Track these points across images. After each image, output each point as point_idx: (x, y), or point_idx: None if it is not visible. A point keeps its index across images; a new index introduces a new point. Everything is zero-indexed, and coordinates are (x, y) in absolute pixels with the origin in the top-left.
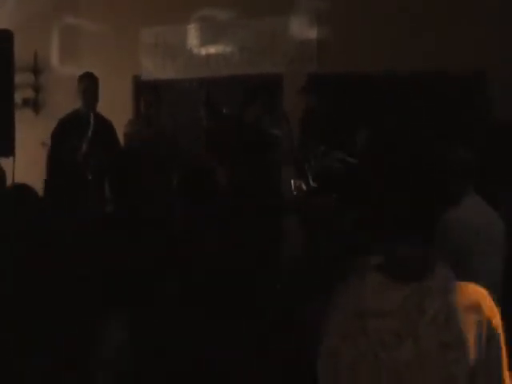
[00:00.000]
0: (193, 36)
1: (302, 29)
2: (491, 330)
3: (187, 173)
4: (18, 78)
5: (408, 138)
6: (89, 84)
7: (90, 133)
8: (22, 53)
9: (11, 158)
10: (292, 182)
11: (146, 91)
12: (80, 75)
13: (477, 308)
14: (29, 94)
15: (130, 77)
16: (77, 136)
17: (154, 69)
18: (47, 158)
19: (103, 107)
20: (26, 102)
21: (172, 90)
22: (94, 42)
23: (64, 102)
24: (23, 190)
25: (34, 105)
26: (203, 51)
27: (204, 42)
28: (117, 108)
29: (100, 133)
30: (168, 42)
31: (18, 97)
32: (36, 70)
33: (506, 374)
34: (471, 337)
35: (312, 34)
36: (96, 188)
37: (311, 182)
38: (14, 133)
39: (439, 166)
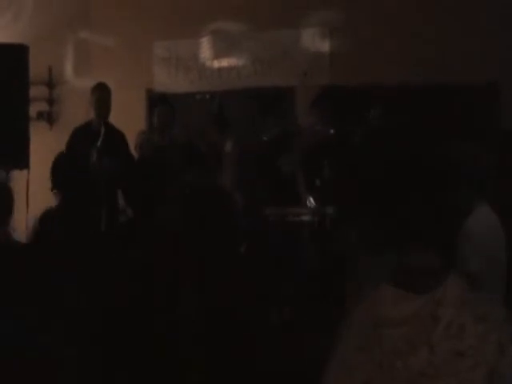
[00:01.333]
0: (205, 49)
1: (315, 41)
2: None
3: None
4: (33, 92)
5: (421, 150)
6: (101, 95)
7: (99, 143)
8: (36, 67)
9: (26, 171)
10: (309, 198)
11: (159, 104)
12: (93, 86)
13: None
14: (43, 107)
15: (143, 89)
16: (88, 146)
17: (167, 81)
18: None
19: (117, 119)
20: (40, 115)
21: (185, 102)
22: (108, 56)
23: (78, 114)
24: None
25: (48, 118)
26: (216, 64)
27: (216, 55)
28: (130, 120)
29: (111, 143)
30: (181, 55)
31: (32, 110)
32: (50, 84)
33: None
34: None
35: (324, 46)
36: (107, 197)
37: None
38: (29, 145)
39: (453, 177)
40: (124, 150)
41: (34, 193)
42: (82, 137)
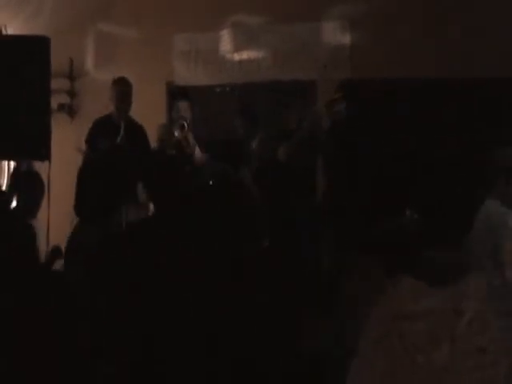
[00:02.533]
0: (225, 42)
1: (335, 34)
2: None
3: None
4: (54, 84)
5: (450, 142)
6: (122, 89)
7: (119, 137)
8: (57, 59)
9: (47, 163)
10: None
11: (178, 97)
12: (114, 80)
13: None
14: (64, 99)
15: (163, 83)
16: (108, 139)
17: (187, 75)
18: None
19: (137, 112)
20: (61, 107)
21: (205, 95)
22: (129, 49)
23: (98, 107)
24: None
25: (69, 110)
26: (236, 57)
27: (236, 48)
28: (151, 113)
29: (130, 137)
30: (201, 48)
31: (53, 102)
32: (71, 76)
33: None
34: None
35: (344, 39)
36: (127, 192)
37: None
38: (50, 137)
39: (483, 169)
40: (144, 143)
41: (54, 185)
42: (102, 129)
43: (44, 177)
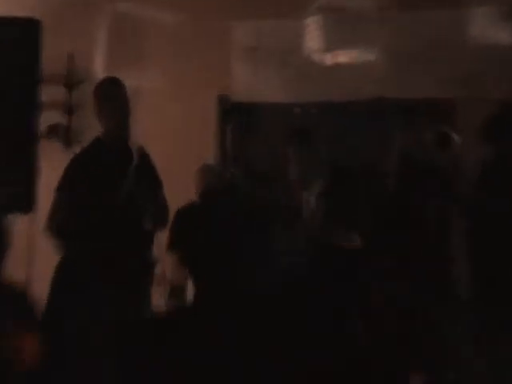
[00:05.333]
0: (311, 36)
1: (488, 28)
2: None
3: None
4: (44, 94)
5: None
6: (112, 93)
7: (131, 169)
8: (51, 54)
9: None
10: None
11: (235, 118)
12: (99, 82)
13: None
14: (57, 117)
15: (213, 97)
16: (105, 176)
17: (251, 85)
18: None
19: (169, 140)
20: (52, 130)
21: (277, 118)
22: (161, 41)
23: None
24: None
25: (65, 134)
26: (327, 59)
27: (328, 46)
28: (192, 142)
29: (141, 169)
30: (273, 45)
31: (42, 122)
32: (70, 82)
33: None
34: None
35: (505, 35)
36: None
37: None
38: (35, 180)
39: None
40: (155, 178)
41: (42, 243)
42: (91, 164)
43: (24, 231)
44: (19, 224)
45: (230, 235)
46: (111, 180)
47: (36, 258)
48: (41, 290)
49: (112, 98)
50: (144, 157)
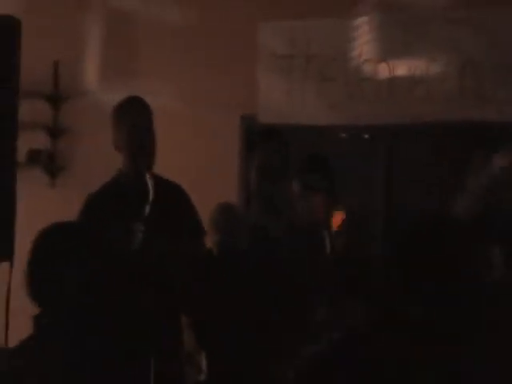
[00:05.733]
0: (363, 40)
1: None
2: None
3: None
4: (25, 112)
5: None
6: (138, 120)
7: (147, 207)
8: (33, 61)
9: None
10: None
11: (263, 145)
12: (119, 103)
13: None
14: (40, 141)
15: (235, 118)
16: (124, 215)
17: (284, 103)
18: None
19: (179, 172)
20: (33, 157)
21: (319, 145)
22: (168, 50)
23: (107, 158)
24: None
25: (49, 163)
26: (383, 70)
27: (386, 53)
28: (209, 174)
29: (163, 212)
30: (314, 52)
31: (21, 147)
32: (56, 96)
33: None
34: None
35: None
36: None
37: None
38: (12, 218)
39: None
40: (187, 218)
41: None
42: (105, 204)
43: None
44: None
45: (252, 304)
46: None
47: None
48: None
49: (138, 121)
50: (169, 190)
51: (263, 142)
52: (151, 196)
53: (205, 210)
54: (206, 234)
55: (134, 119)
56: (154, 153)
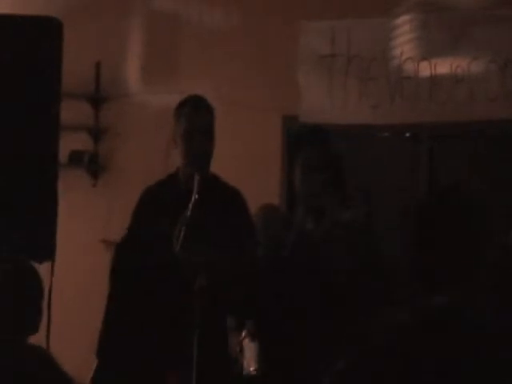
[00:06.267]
0: (405, 39)
1: None
2: None
3: None
4: (66, 113)
5: None
6: (198, 120)
7: (189, 210)
8: (73, 62)
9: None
10: None
11: (307, 143)
12: (180, 102)
13: None
14: (82, 142)
15: (277, 118)
16: (172, 219)
17: (326, 102)
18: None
19: (221, 171)
20: (75, 159)
21: (361, 145)
22: (209, 51)
23: (150, 159)
24: None
25: (92, 164)
26: (425, 69)
27: (428, 52)
28: (251, 175)
29: (212, 214)
30: (356, 52)
31: (63, 148)
32: (98, 98)
33: None
34: None
35: None
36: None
37: None
38: (54, 219)
39: None
40: (239, 226)
41: (64, 295)
42: (160, 203)
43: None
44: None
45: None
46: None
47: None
48: (59, 344)
49: (197, 122)
50: (222, 193)
51: (309, 141)
52: (194, 197)
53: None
54: (258, 244)
55: (191, 121)
56: (211, 155)
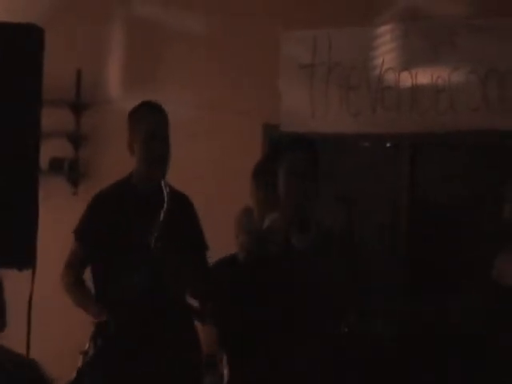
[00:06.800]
0: (385, 49)
1: None
2: None
3: None
4: (47, 120)
5: None
6: (158, 126)
7: (161, 216)
8: (53, 72)
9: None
10: None
11: (290, 152)
12: (136, 107)
13: None
14: (63, 149)
15: (258, 126)
16: (139, 220)
17: (307, 111)
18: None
19: (201, 180)
20: (56, 166)
21: (339, 154)
22: (190, 58)
23: (130, 166)
24: None
25: (71, 170)
26: (406, 79)
27: (409, 61)
28: (231, 182)
29: (176, 218)
30: (337, 60)
31: (43, 155)
32: (77, 105)
33: None
34: None
35: None
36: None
37: None
38: (35, 226)
39: None
40: (195, 229)
41: (42, 297)
42: (116, 207)
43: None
44: (14, 282)
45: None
46: (136, 233)
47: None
48: (39, 350)
49: (152, 125)
50: (182, 206)
51: (292, 150)
52: (166, 203)
53: (226, 218)
54: (208, 248)
55: (150, 126)
56: (168, 160)
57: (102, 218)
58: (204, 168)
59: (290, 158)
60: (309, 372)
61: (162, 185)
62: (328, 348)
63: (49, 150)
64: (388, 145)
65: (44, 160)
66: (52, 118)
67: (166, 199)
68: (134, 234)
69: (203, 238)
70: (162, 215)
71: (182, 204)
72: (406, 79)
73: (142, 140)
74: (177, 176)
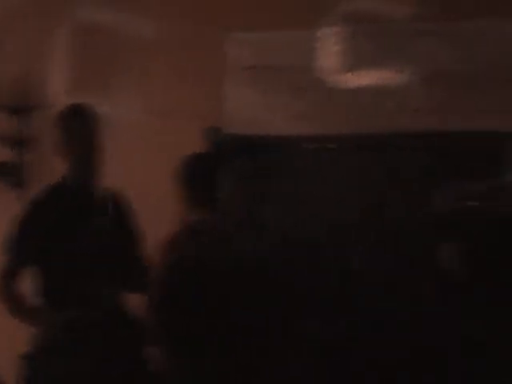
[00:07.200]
0: (328, 51)
1: None
2: None
3: None
4: None
5: None
6: (86, 129)
7: (97, 219)
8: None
9: None
10: None
11: (230, 157)
12: (64, 110)
13: None
14: (5, 154)
15: (200, 129)
16: (66, 228)
17: (249, 114)
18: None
19: (144, 184)
20: None
21: (282, 155)
22: (136, 62)
23: None
24: None
25: (13, 175)
26: (351, 82)
27: (353, 64)
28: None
29: (116, 220)
30: (280, 64)
31: None
32: (19, 109)
33: None
34: None
35: None
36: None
37: None
38: None
39: None
40: (130, 233)
41: None
42: (52, 210)
43: None
44: None
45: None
46: (73, 234)
47: None
48: None
49: (76, 130)
50: (117, 204)
51: (227, 153)
52: (110, 206)
53: (174, 220)
54: (143, 241)
55: (78, 129)
56: (98, 162)
57: (38, 224)
58: (154, 173)
59: (235, 162)
60: None
61: (93, 187)
62: None
63: None
64: (333, 146)
65: None
66: None
67: (111, 202)
68: (75, 237)
69: (137, 233)
70: (95, 218)
71: (114, 202)
72: (351, 81)
73: (69, 143)
74: (126, 180)
